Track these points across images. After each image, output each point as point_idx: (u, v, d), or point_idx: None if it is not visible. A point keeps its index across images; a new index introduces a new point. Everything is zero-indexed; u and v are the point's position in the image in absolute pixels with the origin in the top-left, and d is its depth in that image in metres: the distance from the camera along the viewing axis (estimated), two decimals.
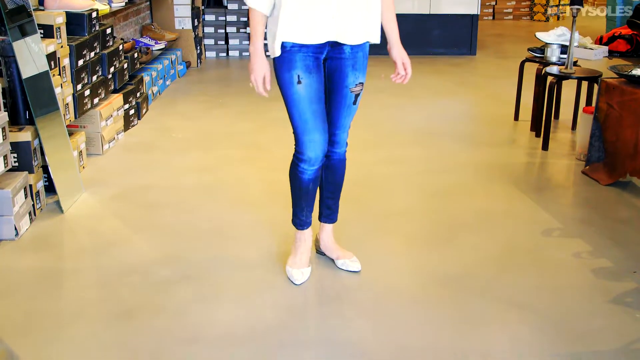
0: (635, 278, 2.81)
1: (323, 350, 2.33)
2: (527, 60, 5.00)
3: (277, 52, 2.46)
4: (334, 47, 2.52)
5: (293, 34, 2.43)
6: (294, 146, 2.61)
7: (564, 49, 4.82)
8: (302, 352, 2.31)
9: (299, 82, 2.47)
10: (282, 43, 2.45)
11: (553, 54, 4.74)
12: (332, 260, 2.89)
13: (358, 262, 2.85)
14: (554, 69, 4.48)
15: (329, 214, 2.87)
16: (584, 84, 4.94)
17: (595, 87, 4.15)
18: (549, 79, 4.47)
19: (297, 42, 2.44)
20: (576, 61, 4.57)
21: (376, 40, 2.59)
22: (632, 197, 3.67)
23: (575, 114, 4.89)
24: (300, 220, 2.78)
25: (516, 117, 5.09)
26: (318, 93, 2.51)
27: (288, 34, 2.43)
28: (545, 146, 4.40)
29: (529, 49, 5.11)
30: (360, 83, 2.60)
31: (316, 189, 2.73)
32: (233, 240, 3.14)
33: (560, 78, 4.40)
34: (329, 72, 2.58)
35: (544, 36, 5.02)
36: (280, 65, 2.49)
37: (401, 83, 2.65)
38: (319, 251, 2.96)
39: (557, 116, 4.98)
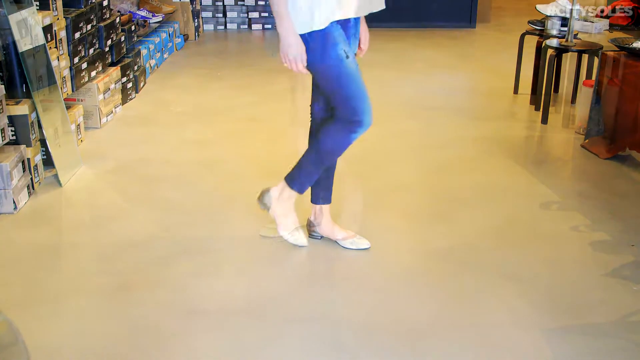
0: (633, 251, 2.82)
1: (322, 325, 2.34)
2: (527, 33, 4.96)
3: None
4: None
5: None
6: (344, 117, 2.47)
7: (565, 22, 4.78)
8: (300, 326, 2.32)
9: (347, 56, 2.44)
10: None
11: (553, 27, 4.70)
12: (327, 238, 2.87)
13: (365, 239, 2.83)
14: (554, 42, 4.44)
15: (329, 196, 2.83)
16: (584, 57, 4.90)
17: (596, 60, 4.12)
18: (549, 51, 4.44)
19: None
20: (576, 34, 4.54)
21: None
22: (631, 170, 3.67)
23: (575, 87, 4.87)
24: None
25: (515, 91, 5.07)
26: None
27: None
28: (544, 120, 4.38)
29: (529, 22, 5.07)
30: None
31: None
32: (232, 213, 3.14)
33: (560, 51, 4.37)
34: None
35: (544, 8, 4.97)
36: None
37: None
38: (313, 235, 2.88)
39: (556, 89, 4.96)
